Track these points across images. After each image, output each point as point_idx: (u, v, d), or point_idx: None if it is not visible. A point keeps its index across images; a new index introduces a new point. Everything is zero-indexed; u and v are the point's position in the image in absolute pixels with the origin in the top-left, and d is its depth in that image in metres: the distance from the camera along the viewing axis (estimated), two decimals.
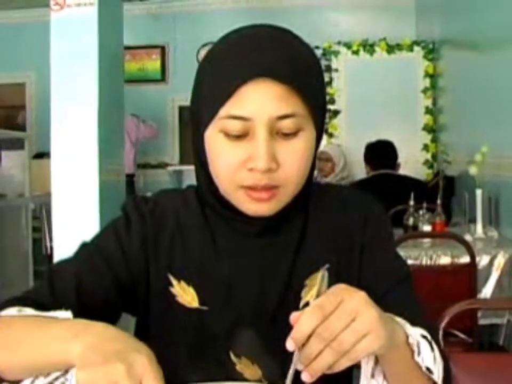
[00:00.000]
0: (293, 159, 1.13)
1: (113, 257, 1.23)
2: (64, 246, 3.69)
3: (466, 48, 5.87)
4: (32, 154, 7.65)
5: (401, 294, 1.24)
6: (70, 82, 3.85)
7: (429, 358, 1.05)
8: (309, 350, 0.90)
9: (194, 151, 1.24)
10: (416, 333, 1.05)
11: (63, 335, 0.93)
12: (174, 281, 1.24)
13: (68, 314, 1.03)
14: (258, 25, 1.18)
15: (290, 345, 0.90)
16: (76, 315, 1.15)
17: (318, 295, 0.97)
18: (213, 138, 1.15)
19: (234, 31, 1.18)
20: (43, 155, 7.45)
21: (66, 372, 0.94)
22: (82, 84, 3.84)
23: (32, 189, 7.03)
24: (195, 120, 1.20)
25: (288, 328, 1.08)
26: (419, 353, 1.03)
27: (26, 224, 6.78)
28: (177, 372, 1.20)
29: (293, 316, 0.92)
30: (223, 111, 1.11)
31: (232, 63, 1.11)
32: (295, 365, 0.91)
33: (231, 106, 1.10)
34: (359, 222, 1.28)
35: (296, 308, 1.19)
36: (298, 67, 1.12)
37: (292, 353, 1.00)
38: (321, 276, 1.08)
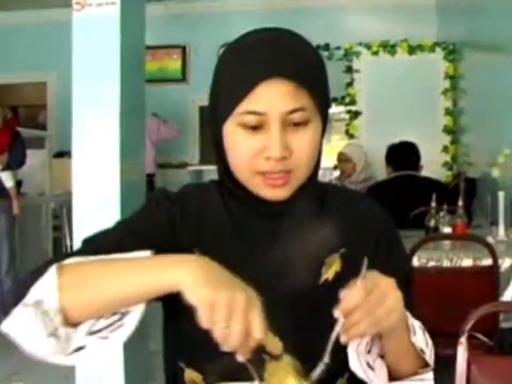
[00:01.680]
0: (303, 147, 1.28)
1: (148, 232, 1.31)
2: None
3: (487, 49, 5.84)
4: (53, 153, 7.70)
5: (408, 295, 1.31)
6: (91, 82, 3.85)
7: (422, 341, 1.25)
8: (350, 319, 1.10)
9: (214, 145, 1.36)
10: (411, 318, 1.25)
11: (161, 264, 1.09)
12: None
13: (146, 253, 1.16)
14: (269, 28, 1.33)
15: (337, 313, 1.11)
16: None
17: (336, 274, 1.32)
18: (232, 131, 1.28)
19: (247, 34, 1.32)
20: (64, 154, 7.49)
21: (123, 315, 1.10)
22: (103, 83, 3.85)
23: (53, 187, 7.07)
24: (214, 116, 1.32)
25: (307, 303, 1.31)
26: (414, 333, 1.23)
27: (46, 223, 6.83)
28: (201, 348, 1.25)
29: (342, 293, 1.12)
30: (241, 108, 1.25)
31: (247, 64, 1.25)
32: (337, 330, 1.12)
33: (248, 103, 1.24)
34: (371, 220, 1.42)
35: (316, 283, 1.33)
36: (305, 66, 1.26)
37: (310, 327, 1.28)
38: (338, 256, 1.34)
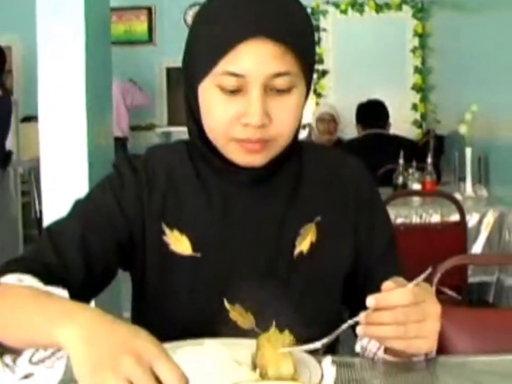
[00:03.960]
0: (285, 115, 1.19)
1: (112, 213, 1.26)
2: (53, 209, 3.68)
3: (455, 7, 5.84)
4: (20, 118, 7.60)
5: (393, 254, 1.34)
6: (56, 45, 3.80)
7: None
8: (379, 316, 1.02)
9: (187, 105, 1.28)
10: None
11: (52, 316, 0.92)
12: (167, 230, 1.27)
13: (64, 293, 1.04)
14: None
15: (370, 302, 1.02)
16: (81, 273, 1.20)
17: (311, 245, 1.26)
18: (208, 92, 1.19)
19: None
20: (31, 119, 7.40)
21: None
22: (68, 46, 3.80)
23: (21, 152, 7.00)
24: (189, 74, 1.24)
25: (283, 275, 1.25)
26: None
27: (15, 188, 6.75)
28: (173, 321, 1.25)
29: (387, 285, 1.04)
30: (220, 67, 1.15)
31: (229, 20, 1.15)
32: (360, 317, 1.04)
33: (228, 63, 1.14)
34: (353, 183, 1.35)
35: (290, 255, 1.27)
36: (294, 27, 1.16)
37: (285, 302, 1.20)
38: (314, 226, 1.26)
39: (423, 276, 1.07)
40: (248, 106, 1.16)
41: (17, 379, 0.98)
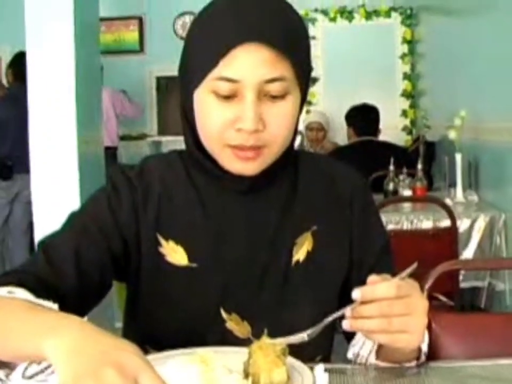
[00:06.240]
0: (279, 121, 1.18)
1: (107, 226, 1.25)
2: (44, 218, 3.68)
3: (443, 14, 5.86)
4: None
5: (388, 262, 1.34)
6: (45, 54, 3.80)
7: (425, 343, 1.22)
8: (365, 309, 1.03)
9: (182, 112, 1.28)
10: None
11: (39, 328, 0.92)
12: (163, 241, 1.27)
13: (53, 306, 1.04)
14: None
15: (356, 294, 1.03)
16: (75, 286, 1.19)
17: (307, 254, 1.26)
18: (203, 98, 1.19)
19: None
20: None
21: None
22: (58, 56, 3.80)
23: None
24: (184, 81, 1.24)
25: (279, 284, 1.25)
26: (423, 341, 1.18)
27: None
28: (169, 331, 1.24)
29: (372, 278, 1.05)
30: (214, 73, 1.15)
31: (223, 26, 1.15)
32: (346, 311, 1.05)
33: (222, 68, 1.15)
34: (348, 194, 1.35)
35: (287, 264, 1.27)
36: (288, 32, 1.16)
37: (280, 311, 1.23)
38: (310, 235, 1.26)
39: (408, 270, 1.07)
40: (242, 112, 1.16)
41: None
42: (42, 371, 0.94)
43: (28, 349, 0.92)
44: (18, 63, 5.48)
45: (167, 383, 0.81)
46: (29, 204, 5.40)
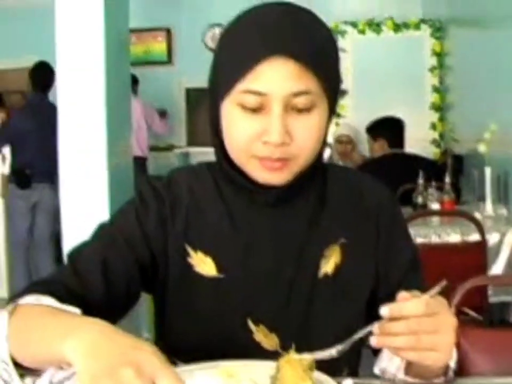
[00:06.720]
0: (305, 134, 1.18)
1: (134, 238, 1.26)
2: (73, 228, 3.70)
3: (473, 26, 5.83)
4: None
5: (416, 276, 1.33)
6: (75, 67, 3.83)
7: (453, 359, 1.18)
8: (393, 326, 1.01)
9: (212, 125, 1.28)
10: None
11: (60, 331, 0.93)
12: (191, 252, 1.27)
13: (77, 311, 1.04)
14: (275, 3, 1.22)
15: (384, 311, 1.02)
16: (102, 296, 1.20)
17: (335, 267, 1.26)
18: (230, 110, 1.19)
19: (251, 9, 1.22)
20: None
21: None
22: (88, 67, 3.82)
23: None
24: (213, 94, 1.24)
25: (306, 296, 1.25)
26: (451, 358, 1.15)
27: None
28: (195, 342, 1.25)
29: (401, 295, 1.03)
30: (241, 86, 1.16)
31: (252, 39, 1.16)
32: (374, 328, 1.03)
33: (249, 82, 1.15)
34: (375, 207, 1.34)
35: (315, 276, 1.26)
36: (315, 46, 1.17)
37: (307, 322, 1.23)
38: (338, 248, 1.26)
39: (437, 288, 1.06)
40: (268, 124, 1.16)
41: None
42: (69, 377, 0.95)
43: (51, 353, 0.93)
44: (38, 72, 5.52)
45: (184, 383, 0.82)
46: (49, 213, 5.46)
